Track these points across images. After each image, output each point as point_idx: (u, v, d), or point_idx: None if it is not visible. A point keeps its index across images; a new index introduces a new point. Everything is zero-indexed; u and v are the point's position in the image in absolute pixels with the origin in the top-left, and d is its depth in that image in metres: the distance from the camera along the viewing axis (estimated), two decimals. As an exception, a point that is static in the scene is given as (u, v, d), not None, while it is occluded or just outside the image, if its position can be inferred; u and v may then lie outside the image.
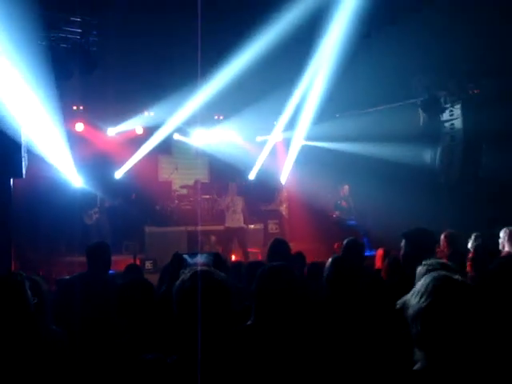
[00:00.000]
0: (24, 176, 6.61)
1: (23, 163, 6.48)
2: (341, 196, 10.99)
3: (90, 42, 7.28)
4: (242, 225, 10.13)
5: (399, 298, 1.82)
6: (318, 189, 10.91)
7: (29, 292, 1.79)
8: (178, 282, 1.84)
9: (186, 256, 2.31)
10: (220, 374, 1.71)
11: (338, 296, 2.89)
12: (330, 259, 3.02)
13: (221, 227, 10.44)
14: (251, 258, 9.62)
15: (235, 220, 10.00)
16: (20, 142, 6.40)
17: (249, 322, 2.17)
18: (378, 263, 5.27)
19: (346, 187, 10.92)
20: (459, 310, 1.54)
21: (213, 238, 10.72)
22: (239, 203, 10.11)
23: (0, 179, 6.65)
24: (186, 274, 1.84)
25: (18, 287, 1.74)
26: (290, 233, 11.59)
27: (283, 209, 12.19)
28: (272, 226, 11.94)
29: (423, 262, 2.24)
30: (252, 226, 11.44)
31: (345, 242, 4.33)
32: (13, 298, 1.73)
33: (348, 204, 10.92)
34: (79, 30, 7.07)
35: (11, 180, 6.72)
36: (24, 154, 6.47)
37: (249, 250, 10.51)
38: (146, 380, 1.75)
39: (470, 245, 5.38)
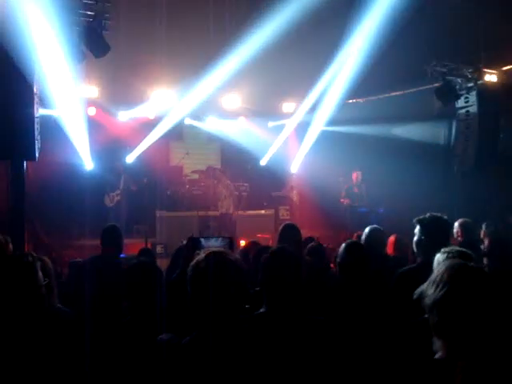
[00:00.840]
0: (37, 159, 6.65)
1: (36, 146, 6.51)
2: (353, 182, 10.92)
3: (102, 25, 7.24)
4: (231, 211, 10.16)
5: (412, 284, 1.80)
6: (329, 175, 10.86)
7: (40, 273, 1.80)
8: (192, 263, 1.84)
9: (200, 239, 2.30)
10: (233, 356, 1.71)
11: (350, 281, 2.88)
12: (343, 244, 3.01)
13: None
14: (262, 244, 9.63)
15: (225, 206, 10.03)
16: (33, 125, 6.43)
17: (262, 310, 2.17)
18: (390, 250, 5.27)
19: (359, 173, 10.84)
20: (476, 297, 1.53)
21: (223, 222, 10.74)
22: (228, 189, 10.16)
23: (13, 162, 6.71)
24: (200, 255, 1.84)
25: (29, 267, 1.76)
26: (300, 219, 11.56)
27: (294, 195, 12.17)
28: (283, 212, 11.92)
29: (442, 250, 2.21)
30: (263, 212, 11.46)
31: (367, 229, 4.32)
32: (25, 278, 1.75)
33: (360, 190, 10.86)
34: (92, 13, 7.03)
35: (24, 163, 6.78)
36: (37, 137, 6.50)
37: (259, 235, 10.53)
38: (160, 360, 1.76)
39: (482, 233, 5.34)
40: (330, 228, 10.69)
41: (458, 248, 2.19)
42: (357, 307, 2.63)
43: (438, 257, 2.23)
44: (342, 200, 10.83)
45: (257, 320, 2.08)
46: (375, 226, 4.72)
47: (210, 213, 10.87)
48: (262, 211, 11.50)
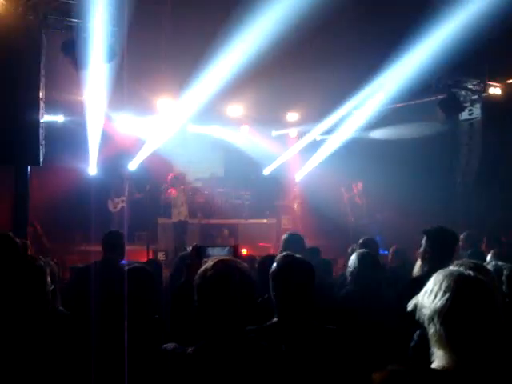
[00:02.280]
0: (41, 164, 6.67)
1: (41, 151, 6.53)
2: (354, 193, 10.94)
3: (109, 32, 7.29)
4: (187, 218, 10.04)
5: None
6: (331, 185, 10.89)
7: (49, 277, 1.80)
8: (200, 271, 1.82)
9: (205, 248, 2.29)
10: (242, 367, 1.69)
11: (361, 290, 2.88)
12: (354, 255, 3.01)
13: (233, 221, 10.42)
14: (263, 253, 9.62)
15: (180, 214, 9.93)
16: (38, 130, 6.46)
17: (274, 320, 2.15)
18: (390, 260, 5.28)
19: (359, 184, 10.87)
20: (479, 304, 1.51)
21: (225, 231, 10.73)
22: (183, 196, 10.03)
23: (17, 167, 6.73)
24: (208, 264, 1.82)
25: (40, 271, 1.75)
26: (302, 229, 11.54)
27: (296, 204, 12.16)
28: (285, 222, 11.90)
29: (455, 262, 2.19)
30: (265, 221, 11.45)
31: (361, 240, 4.33)
32: (35, 281, 1.74)
33: (362, 201, 10.87)
34: (99, 20, 7.07)
35: (28, 168, 6.80)
36: (42, 142, 6.52)
37: (261, 244, 10.51)
38: (166, 370, 1.74)
39: (483, 245, 5.34)
40: (331, 238, 10.66)
41: (471, 260, 2.16)
42: (370, 316, 2.61)
43: (445, 268, 2.21)
44: (348, 218, 10.84)
45: (269, 330, 2.06)
46: (368, 237, 4.78)
47: (212, 221, 10.87)
48: (264, 220, 11.49)
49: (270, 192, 12.08)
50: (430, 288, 1.58)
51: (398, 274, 4.27)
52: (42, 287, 1.75)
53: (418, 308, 1.59)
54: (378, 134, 10.64)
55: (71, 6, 6.81)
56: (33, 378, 1.72)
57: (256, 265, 3.77)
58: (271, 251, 9.93)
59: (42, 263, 1.79)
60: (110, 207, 10.36)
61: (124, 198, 10.36)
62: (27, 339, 1.73)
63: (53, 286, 1.80)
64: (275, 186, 12.33)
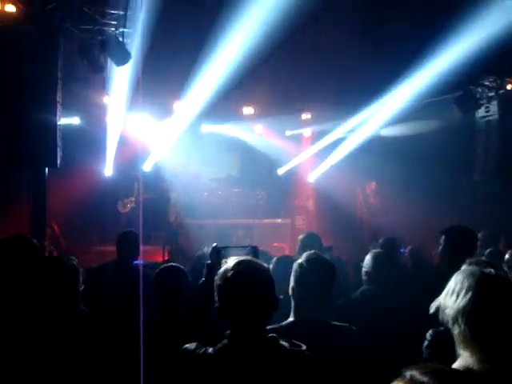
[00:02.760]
0: (58, 166, 6.74)
1: (58, 154, 6.61)
2: (368, 193, 10.89)
3: (123, 34, 7.34)
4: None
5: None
6: (345, 184, 10.84)
7: (80, 278, 1.83)
8: (220, 271, 1.84)
9: (224, 248, 2.30)
10: (265, 367, 1.70)
11: (376, 290, 2.87)
12: (369, 254, 3.00)
13: (248, 221, 10.42)
14: (278, 253, 9.61)
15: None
16: (56, 132, 6.54)
17: (290, 319, 2.16)
18: (408, 260, 5.25)
19: (373, 184, 10.82)
20: (499, 304, 1.50)
21: (240, 231, 10.76)
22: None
23: (35, 169, 6.82)
24: (229, 264, 1.84)
25: (73, 271, 1.78)
26: (316, 228, 11.50)
27: (310, 204, 12.13)
28: (299, 221, 11.89)
29: (468, 261, 2.18)
30: (279, 221, 11.44)
31: (381, 240, 4.31)
32: (68, 280, 1.76)
33: (376, 200, 10.82)
34: (114, 22, 7.13)
35: (46, 170, 6.88)
36: (59, 144, 6.60)
37: (275, 244, 10.51)
38: (186, 370, 1.75)
39: (501, 245, 5.29)
40: (346, 238, 10.61)
41: (485, 259, 2.15)
42: (385, 315, 2.60)
43: (465, 268, 2.20)
44: (362, 216, 10.78)
45: (286, 330, 2.07)
46: (389, 236, 4.76)
47: (227, 221, 10.90)
48: (279, 220, 11.49)
49: (284, 192, 12.07)
50: (452, 288, 1.57)
51: (415, 273, 4.25)
52: (74, 287, 1.77)
53: (440, 309, 1.58)
54: (393, 131, 10.57)
55: (87, 10, 6.90)
56: (61, 377, 1.74)
57: (271, 265, 3.78)
58: (286, 251, 9.93)
59: (75, 263, 1.81)
60: (120, 208, 10.45)
61: (133, 199, 10.44)
62: (58, 339, 1.75)
63: (83, 286, 1.82)
64: (289, 186, 12.31)
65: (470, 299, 1.52)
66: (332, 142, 11.88)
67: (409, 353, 2.39)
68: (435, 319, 1.68)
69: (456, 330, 1.54)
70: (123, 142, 10.81)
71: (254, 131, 12.43)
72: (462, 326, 1.52)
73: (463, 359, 1.54)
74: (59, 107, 6.58)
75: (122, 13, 7.14)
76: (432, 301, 1.79)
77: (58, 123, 6.60)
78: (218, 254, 2.28)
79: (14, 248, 2.57)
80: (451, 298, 1.56)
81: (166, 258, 9.30)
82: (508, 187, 8.46)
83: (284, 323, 2.13)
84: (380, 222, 10.42)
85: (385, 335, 2.63)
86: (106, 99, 10.40)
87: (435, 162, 9.10)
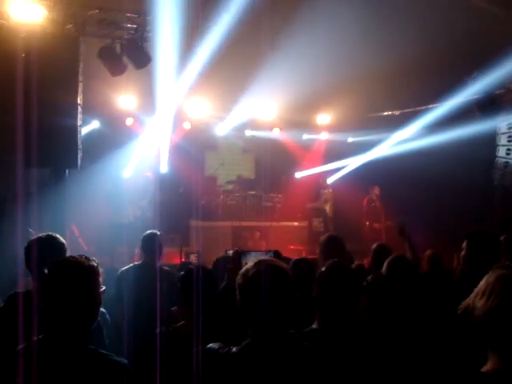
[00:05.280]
0: (79, 167, 6.83)
1: (79, 155, 6.69)
2: (373, 197, 10.83)
3: (143, 38, 7.43)
4: None
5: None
6: (362, 187, 10.84)
7: (100, 278, 1.83)
8: (241, 271, 1.84)
9: (247, 253, 2.31)
10: (287, 368, 1.70)
11: (393, 295, 2.84)
12: (387, 260, 2.98)
13: (266, 223, 10.42)
14: (295, 255, 9.60)
15: None
16: (76, 134, 6.62)
17: (314, 326, 2.15)
18: (424, 265, 5.17)
19: (377, 188, 10.76)
20: None
21: (257, 233, 10.76)
22: None
23: (56, 170, 6.92)
24: (249, 264, 1.83)
25: (94, 271, 1.78)
26: (333, 231, 11.45)
27: (328, 207, 12.07)
28: (316, 224, 11.84)
29: (494, 265, 2.15)
30: (296, 224, 11.42)
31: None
32: (88, 282, 1.77)
33: (379, 205, 10.76)
34: (134, 26, 7.22)
35: (66, 171, 6.97)
36: (79, 146, 6.69)
37: (292, 247, 10.49)
38: (211, 369, 1.75)
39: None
40: (362, 241, 10.55)
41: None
42: (403, 321, 2.58)
43: (495, 270, 2.17)
44: (366, 221, 10.73)
45: (310, 335, 2.06)
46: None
47: (244, 223, 10.91)
48: (296, 223, 11.45)
49: (301, 195, 12.05)
50: (482, 290, 1.57)
51: (432, 278, 4.19)
52: (95, 287, 1.77)
53: (469, 310, 1.57)
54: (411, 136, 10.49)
55: (107, 14, 6.99)
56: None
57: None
58: (303, 254, 9.91)
59: (95, 264, 1.81)
60: (135, 212, 10.50)
61: (145, 202, 10.48)
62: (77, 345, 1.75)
63: (103, 288, 1.83)
64: (306, 189, 12.28)
65: (499, 302, 1.51)
66: (349, 146, 11.87)
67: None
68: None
69: (484, 332, 1.54)
70: (141, 144, 10.92)
71: (272, 134, 12.41)
72: (490, 328, 1.52)
73: (492, 361, 1.54)
74: (80, 110, 6.66)
75: (141, 16, 7.24)
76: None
77: (79, 125, 6.69)
78: (240, 258, 2.29)
79: (46, 247, 2.61)
80: (481, 299, 1.56)
81: (184, 259, 9.35)
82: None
83: (308, 329, 2.12)
84: (389, 225, 10.37)
85: (401, 340, 2.60)
86: (123, 101, 10.54)
87: (456, 166, 8.95)
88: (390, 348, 2.17)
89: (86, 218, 9.52)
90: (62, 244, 2.73)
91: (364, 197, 11.02)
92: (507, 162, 8.56)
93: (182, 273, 2.82)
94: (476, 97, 8.55)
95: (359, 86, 9.29)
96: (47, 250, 2.60)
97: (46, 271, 1.83)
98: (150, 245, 4.29)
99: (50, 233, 2.76)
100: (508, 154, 8.57)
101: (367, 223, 10.79)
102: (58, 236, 2.76)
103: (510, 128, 8.56)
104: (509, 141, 8.55)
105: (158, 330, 2.54)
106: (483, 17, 6.95)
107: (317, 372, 1.71)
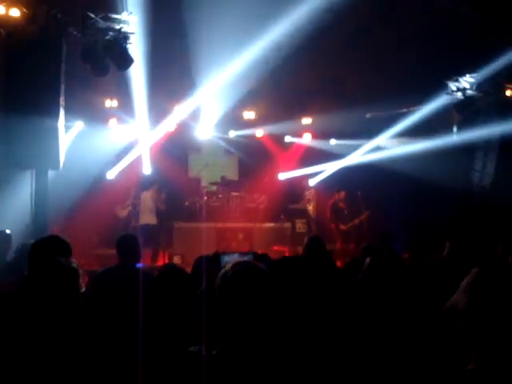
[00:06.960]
0: (60, 168, 6.79)
1: (60, 156, 6.65)
2: (337, 201, 10.78)
3: (126, 38, 7.38)
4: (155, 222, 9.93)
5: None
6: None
7: (80, 280, 1.84)
8: (220, 273, 1.87)
9: (225, 255, 2.32)
10: (266, 367, 1.72)
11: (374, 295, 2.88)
12: (368, 258, 3.01)
13: (250, 224, 10.45)
14: (278, 257, 9.62)
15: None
16: (58, 135, 6.58)
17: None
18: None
19: (342, 193, 10.73)
20: (499, 305, 1.55)
21: (240, 235, 10.77)
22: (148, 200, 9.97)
23: (38, 171, 6.86)
24: (227, 266, 1.87)
25: (74, 273, 1.79)
26: (316, 232, 11.51)
27: (311, 208, 12.13)
28: (299, 225, 11.89)
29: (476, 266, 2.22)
30: (279, 225, 11.45)
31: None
32: (68, 283, 1.78)
33: (344, 206, 10.76)
34: (117, 27, 7.18)
35: (48, 172, 6.92)
36: (61, 147, 6.64)
37: (276, 247, 10.53)
38: (190, 372, 1.77)
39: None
40: (346, 242, 10.64)
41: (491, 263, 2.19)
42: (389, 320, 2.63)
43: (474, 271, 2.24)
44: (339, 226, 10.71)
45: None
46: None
47: (228, 224, 10.91)
48: (279, 224, 11.49)
49: (284, 195, 12.10)
50: (463, 288, 1.64)
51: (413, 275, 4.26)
52: (74, 289, 1.79)
53: (452, 308, 1.64)
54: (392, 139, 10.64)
55: (90, 14, 6.94)
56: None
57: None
58: (286, 255, 9.94)
59: (75, 265, 1.83)
60: (120, 213, 10.46)
61: (129, 203, 10.44)
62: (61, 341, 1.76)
63: (83, 289, 1.84)
64: (289, 190, 12.33)
65: (471, 300, 1.58)
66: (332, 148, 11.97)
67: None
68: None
69: (466, 327, 1.59)
70: (125, 146, 10.86)
71: (255, 135, 12.43)
72: (468, 324, 1.58)
73: (476, 357, 1.58)
74: (62, 111, 6.62)
75: (124, 17, 7.20)
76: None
77: (61, 126, 6.65)
78: (219, 260, 2.30)
79: (52, 247, 2.61)
80: (463, 296, 1.62)
81: (167, 261, 9.33)
82: (508, 192, 8.47)
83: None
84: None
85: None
86: (108, 103, 10.48)
87: (433, 167, 9.08)
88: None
89: (68, 219, 9.44)
90: (67, 244, 2.73)
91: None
92: (485, 164, 8.73)
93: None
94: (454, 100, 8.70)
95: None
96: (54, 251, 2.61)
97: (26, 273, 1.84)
98: (127, 246, 4.21)
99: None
100: (485, 155, 8.74)
101: (333, 226, 10.79)
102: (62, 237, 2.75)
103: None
104: (486, 143, 8.73)
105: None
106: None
107: (295, 374, 1.74)
